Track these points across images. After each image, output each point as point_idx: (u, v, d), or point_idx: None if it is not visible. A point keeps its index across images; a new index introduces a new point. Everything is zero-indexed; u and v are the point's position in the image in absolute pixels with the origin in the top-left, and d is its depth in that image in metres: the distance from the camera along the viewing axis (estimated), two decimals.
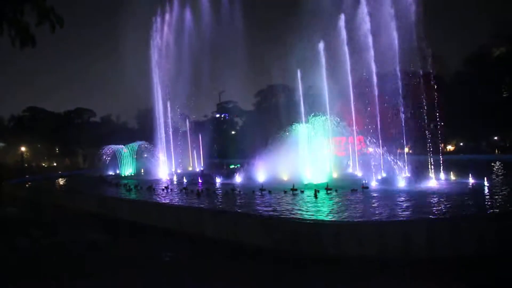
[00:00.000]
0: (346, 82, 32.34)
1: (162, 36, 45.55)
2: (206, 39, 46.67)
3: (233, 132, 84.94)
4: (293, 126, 27.72)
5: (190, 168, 47.71)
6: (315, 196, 19.54)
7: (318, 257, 10.85)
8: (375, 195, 19.90)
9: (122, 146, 48.21)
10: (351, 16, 31.48)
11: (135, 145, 48.02)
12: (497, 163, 38.68)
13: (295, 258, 11.02)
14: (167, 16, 45.54)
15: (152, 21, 45.09)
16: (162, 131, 45.55)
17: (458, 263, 9.75)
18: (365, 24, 30.09)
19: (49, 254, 13.07)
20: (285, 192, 21.72)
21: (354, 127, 32.02)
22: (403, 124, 29.02)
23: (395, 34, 28.38)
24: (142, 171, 47.34)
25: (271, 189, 22.66)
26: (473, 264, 9.66)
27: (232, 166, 47.15)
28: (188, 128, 49.84)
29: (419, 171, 28.39)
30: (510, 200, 17.38)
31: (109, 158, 49.34)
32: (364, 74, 30.72)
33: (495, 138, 63.07)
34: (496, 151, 57.68)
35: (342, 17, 31.54)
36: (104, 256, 12.54)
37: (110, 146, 48.64)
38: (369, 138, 29.80)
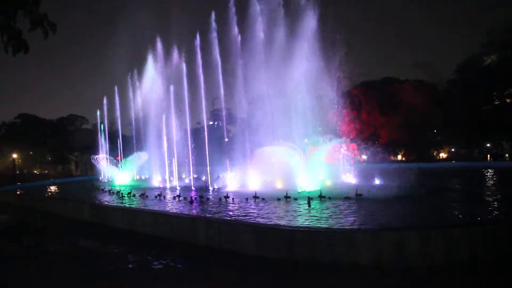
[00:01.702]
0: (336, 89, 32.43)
1: (157, 44, 45.61)
2: (202, 45, 46.71)
3: (226, 139, 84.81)
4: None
5: (184, 175, 47.54)
6: (309, 204, 19.50)
7: (312, 264, 10.82)
8: (368, 202, 19.89)
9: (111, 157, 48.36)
10: (342, 22, 31.63)
11: (135, 156, 47.75)
12: (490, 170, 38.90)
13: (289, 266, 10.98)
14: (161, 25, 45.61)
15: (147, 30, 45.21)
16: (157, 139, 45.44)
17: (452, 270, 9.81)
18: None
19: (38, 262, 12.92)
20: (278, 199, 21.68)
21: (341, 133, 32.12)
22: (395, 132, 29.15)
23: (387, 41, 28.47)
24: (135, 178, 47.15)
25: (265, 196, 22.61)
26: (468, 271, 9.72)
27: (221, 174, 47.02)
28: (181, 136, 49.74)
29: (412, 178, 28.50)
30: (502, 208, 17.49)
31: (102, 166, 49.28)
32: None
33: (488, 145, 63.59)
34: (488, 158, 58.16)
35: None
36: (97, 265, 12.41)
37: (110, 157, 48.68)
38: (362, 145, 29.89)
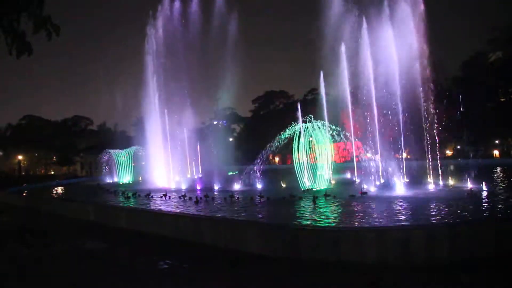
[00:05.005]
0: (345, 88, 32.46)
1: (158, 44, 45.51)
2: (202, 45, 46.63)
3: (230, 139, 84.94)
4: (291, 129, 27.71)
5: (189, 175, 47.57)
6: (314, 203, 19.49)
7: (317, 263, 10.79)
8: (373, 201, 19.85)
9: (119, 150, 48.54)
10: (349, 22, 31.61)
11: (131, 150, 48.26)
12: (498, 168, 38.69)
13: (294, 265, 10.95)
14: (161, 24, 45.50)
15: (147, 29, 45.15)
16: (160, 138, 45.44)
17: (456, 268, 9.78)
18: (363, 31, 30.23)
19: (46, 264, 12.96)
20: (284, 199, 21.66)
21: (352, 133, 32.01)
22: (401, 129, 29.00)
23: (393, 40, 28.39)
24: (140, 178, 47.25)
25: (270, 196, 22.60)
26: (472, 269, 9.69)
27: (230, 173, 47.08)
28: (186, 135, 49.79)
29: (417, 177, 28.39)
30: (508, 205, 17.39)
31: (107, 166, 49.45)
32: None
33: (496, 142, 63.28)
34: (495, 155, 57.92)
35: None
36: (102, 265, 12.44)
37: (108, 150, 48.95)
38: (367, 143, 29.75)
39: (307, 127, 27.62)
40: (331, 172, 27.42)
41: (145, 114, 47.51)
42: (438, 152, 29.22)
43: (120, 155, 47.96)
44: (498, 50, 58.64)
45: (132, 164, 48.33)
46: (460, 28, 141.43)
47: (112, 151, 48.89)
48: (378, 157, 28.78)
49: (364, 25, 30.05)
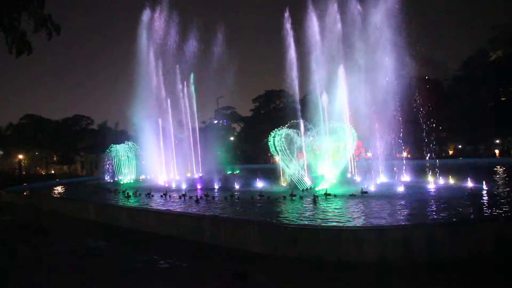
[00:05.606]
0: (344, 86, 32.49)
1: (158, 43, 45.55)
2: (202, 45, 46.69)
3: (231, 138, 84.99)
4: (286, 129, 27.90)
5: (189, 174, 47.58)
6: (314, 202, 19.48)
7: (317, 263, 10.80)
8: (374, 200, 19.82)
9: (120, 144, 48.44)
10: (347, 18, 31.68)
11: (124, 146, 48.01)
12: (498, 167, 38.64)
13: (294, 264, 10.96)
14: (162, 23, 45.52)
15: (146, 28, 45.16)
16: (160, 137, 45.48)
17: (457, 267, 9.78)
18: (360, 29, 30.31)
19: (46, 263, 12.97)
20: (284, 197, 21.65)
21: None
22: (401, 129, 29.01)
23: (392, 38, 28.39)
24: (141, 177, 47.24)
25: (270, 195, 22.59)
26: (472, 268, 9.70)
27: (229, 172, 47.14)
28: (186, 135, 49.77)
29: (418, 176, 28.40)
30: (509, 204, 17.36)
31: (108, 166, 49.38)
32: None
33: (497, 141, 63.24)
34: (496, 154, 57.92)
35: (338, 17, 31.88)
36: (103, 264, 12.45)
37: (113, 145, 48.82)
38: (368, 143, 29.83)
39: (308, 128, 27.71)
40: (337, 171, 27.38)
41: (145, 114, 47.54)
42: (437, 152, 29.24)
43: (122, 152, 47.81)
44: (499, 49, 58.55)
45: (133, 163, 48.25)
46: (460, 28, 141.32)
47: (118, 146, 48.72)
48: (376, 156, 28.82)
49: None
